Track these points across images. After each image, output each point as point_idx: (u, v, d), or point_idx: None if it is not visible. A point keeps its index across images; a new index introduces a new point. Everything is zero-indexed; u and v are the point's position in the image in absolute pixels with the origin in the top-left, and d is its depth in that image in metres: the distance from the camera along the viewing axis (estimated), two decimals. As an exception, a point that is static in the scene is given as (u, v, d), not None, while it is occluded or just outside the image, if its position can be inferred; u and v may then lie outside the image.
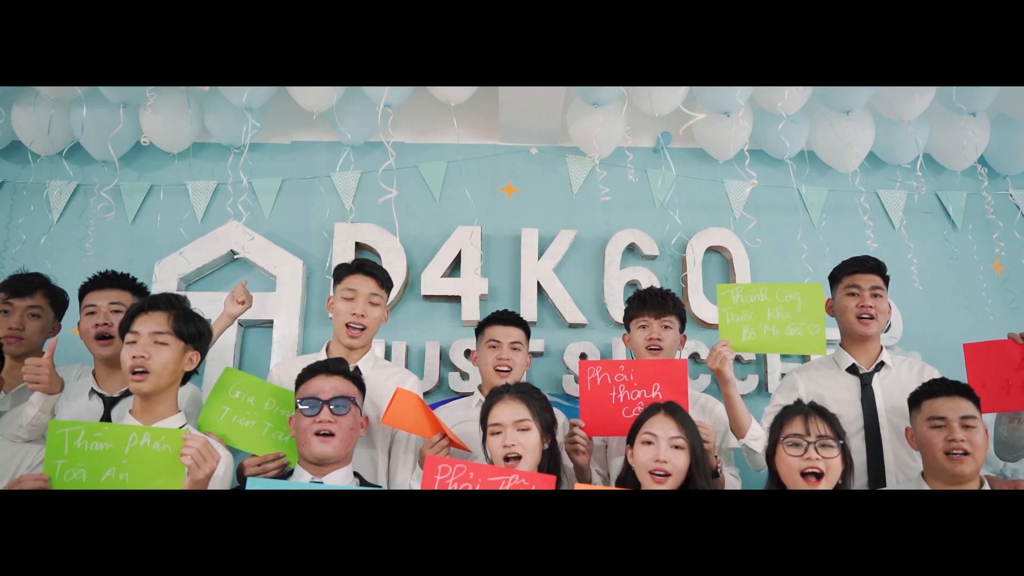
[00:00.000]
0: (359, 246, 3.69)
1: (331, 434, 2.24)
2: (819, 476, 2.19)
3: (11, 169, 3.79)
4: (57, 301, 2.89)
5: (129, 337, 2.23)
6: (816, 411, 2.29)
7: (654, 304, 2.90)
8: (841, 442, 2.24)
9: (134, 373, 2.19)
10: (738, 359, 3.60)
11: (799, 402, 2.36)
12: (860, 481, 2.62)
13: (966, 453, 2.26)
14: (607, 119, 3.57)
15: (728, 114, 3.50)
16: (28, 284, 2.81)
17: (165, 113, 3.56)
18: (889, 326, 3.66)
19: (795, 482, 2.21)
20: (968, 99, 3.46)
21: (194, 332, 2.31)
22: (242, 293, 3.03)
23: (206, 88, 3.66)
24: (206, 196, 3.78)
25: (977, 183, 3.91)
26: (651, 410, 2.35)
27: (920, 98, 3.47)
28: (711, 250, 3.80)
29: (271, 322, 3.57)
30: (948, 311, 3.78)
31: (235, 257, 3.67)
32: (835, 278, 2.88)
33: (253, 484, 2.01)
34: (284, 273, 3.63)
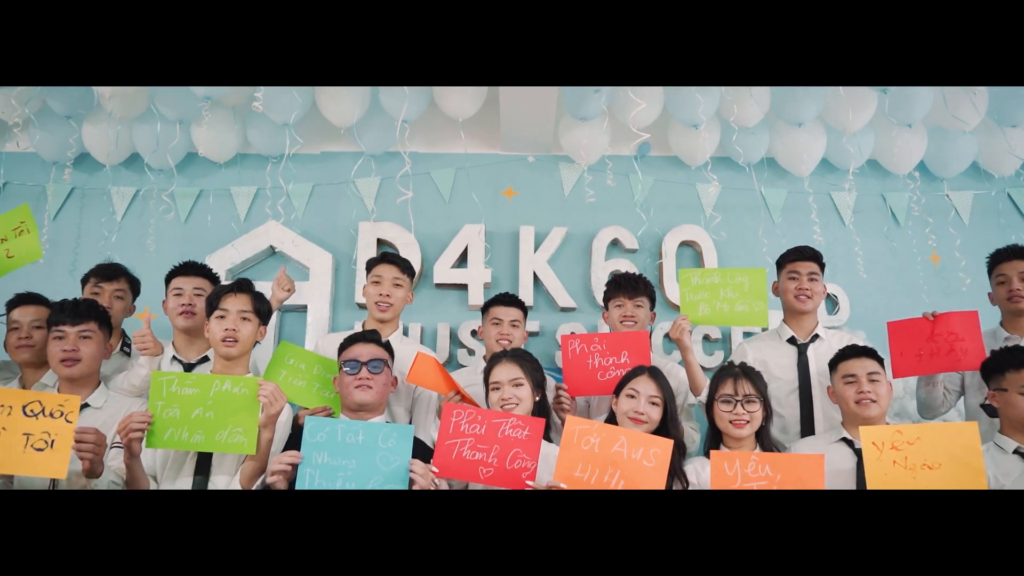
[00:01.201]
0: (380, 242, 4.28)
1: (369, 387, 2.83)
2: (744, 424, 2.76)
3: (80, 177, 4.39)
4: (134, 287, 3.48)
5: (219, 313, 2.82)
6: (744, 373, 2.82)
7: (628, 287, 3.46)
8: (763, 398, 2.80)
9: (225, 341, 2.79)
10: (707, 337, 4.19)
11: (731, 364, 2.93)
12: (793, 430, 3.20)
13: (873, 401, 2.83)
14: (593, 131, 4.16)
15: (697, 127, 4.08)
16: (114, 271, 3.40)
17: (214, 128, 4.14)
18: (837, 307, 4.25)
19: (727, 429, 2.77)
20: (904, 112, 4.04)
21: (266, 311, 2.92)
22: (287, 281, 3.59)
23: (250, 106, 4.22)
24: (248, 199, 4.37)
25: (919, 185, 4.47)
26: (638, 371, 2.87)
27: (863, 111, 4.04)
28: (684, 244, 4.39)
29: (305, 307, 4.16)
30: (890, 297, 4.34)
31: (274, 252, 4.27)
32: (780, 264, 3.45)
33: (311, 422, 2.58)
34: (316, 265, 4.23)
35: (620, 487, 2.50)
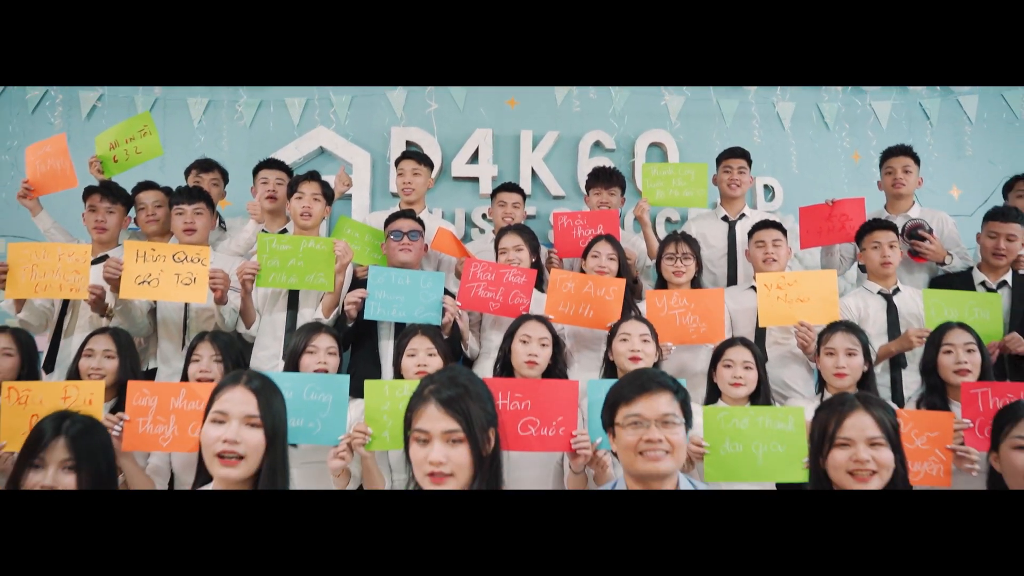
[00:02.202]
0: (408, 143, 5.29)
1: (409, 250, 3.89)
2: (681, 274, 3.81)
3: (161, 88, 5.37)
4: (224, 176, 4.53)
5: (297, 195, 3.85)
6: (683, 239, 3.84)
7: (604, 178, 4.51)
8: (696, 257, 3.82)
9: (302, 215, 3.84)
10: (668, 219, 5.27)
11: (674, 232, 3.97)
12: (722, 283, 4.28)
13: (775, 260, 3.86)
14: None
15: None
16: (209, 164, 4.48)
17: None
18: (773, 196, 5.30)
19: (669, 278, 3.80)
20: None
21: (330, 195, 3.98)
22: (347, 178, 4.62)
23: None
24: (300, 108, 5.35)
25: (847, 96, 5.45)
26: (599, 237, 3.85)
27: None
28: (652, 145, 5.40)
29: (350, 195, 5.21)
30: (817, 188, 5.34)
31: (323, 151, 5.30)
32: (718, 161, 4.50)
33: (374, 270, 3.59)
34: (357, 162, 5.26)
35: (590, 316, 3.59)
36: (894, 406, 2.99)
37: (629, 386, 2.09)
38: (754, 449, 2.69)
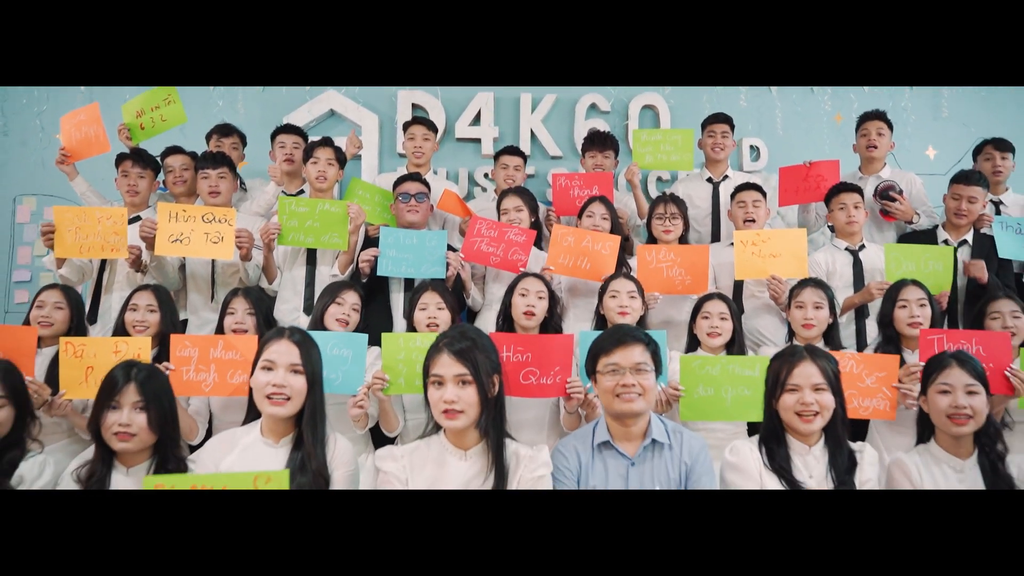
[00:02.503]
0: (414, 106, 5.59)
1: (416, 211, 4.23)
2: (670, 231, 4.15)
3: (180, 54, 5.65)
4: (243, 140, 4.85)
5: (312, 160, 4.18)
6: (671, 199, 4.17)
7: (599, 141, 4.82)
8: (683, 216, 4.15)
9: (318, 179, 4.17)
10: (659, 178, 5.58)
11: (663, 194, 4.30)
12: (706, 241, 4.62)
13: (753, 220, 4.20)
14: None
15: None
16: (229, 129, 4.81)
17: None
18: (758, 156, 5.61)
19: (659, 236, 4.14)
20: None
21: (343, 159, 4.31)
22: (357, 141, 4.91)
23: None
24: (310, 72, 5.64)
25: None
26: (593, 199, 4.20)
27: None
28: (645, 107, 5.69)
29: (359, 156, 5.51)
30: (801, 148, 5.63)
31: (333, 113, 5.60)
32: (703, 126, 4.81)
33: (384, 231, 3.96)
34: (366, 124, 5.56)
35: (588, 268, 3.92)
36: (852, 351, 3.39)
37: (608, 339, 2.47)
38: (724, 393, 3.07)
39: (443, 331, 2.34)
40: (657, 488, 2.39)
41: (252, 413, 2.45)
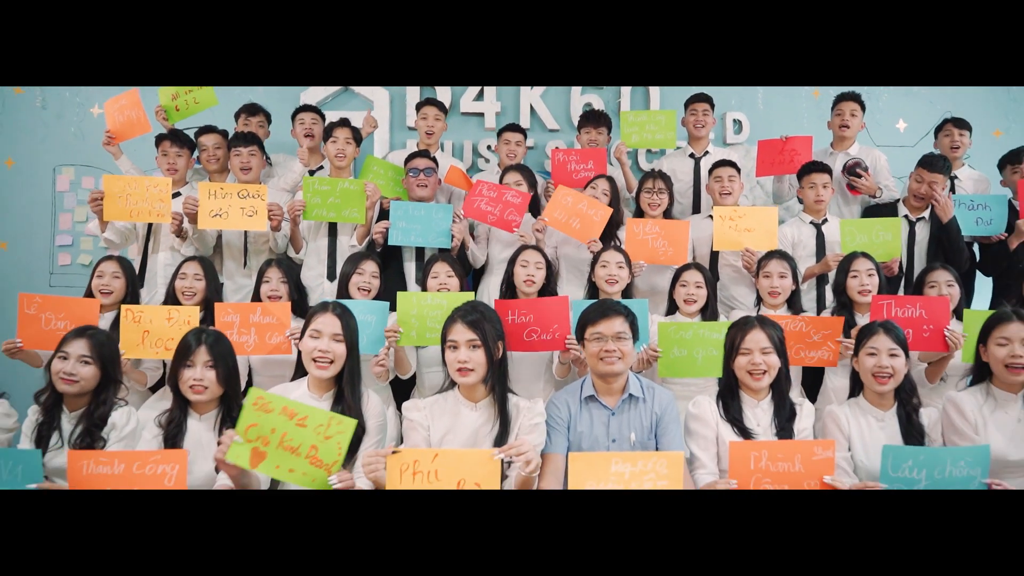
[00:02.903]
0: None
1: (425, 186, 4.70)
2: (657, 206, 4.62)
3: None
4: (268, 118, 5.28)
5: (332, 139, 4.63)
6: (658, 175, 4.61)
7: (593, 119, 5.25)
8: (669, 191, 4.61)
9: (337, 157, 4.63)
10: (649, 150, 6.03)
11: (651, 170, 4.76)
12: (688, 214, 5.09)
13: (728, 194, 4.67)
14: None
15: None
16: (255, 108, 5.22)
17: None
18: (741, 129, 6.05)
19: (646, 210, 4.59)
20: None
21: (360, 139, 4.77)
22: (373, 120, 5.33)
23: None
24: (325, 50, 6.05)
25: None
26: (597, 177, 4.73)
27: None
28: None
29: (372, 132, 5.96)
30: (781, 122, 6.04)
31: (346, 89, 6.03)
32: (686, 105, 5.24)
33: (395, 205, 4.45)
34: (377, 98, 5.99)
35: (577, 228, 4.37)
36: (807, 315, 3.89)
37: (594, 312, 2.99)
38: (695, 354, 3.58)
39: (457, 305, 2.85)
40: (632, 434, 2.93)
41: (299, 371, 2.97)
